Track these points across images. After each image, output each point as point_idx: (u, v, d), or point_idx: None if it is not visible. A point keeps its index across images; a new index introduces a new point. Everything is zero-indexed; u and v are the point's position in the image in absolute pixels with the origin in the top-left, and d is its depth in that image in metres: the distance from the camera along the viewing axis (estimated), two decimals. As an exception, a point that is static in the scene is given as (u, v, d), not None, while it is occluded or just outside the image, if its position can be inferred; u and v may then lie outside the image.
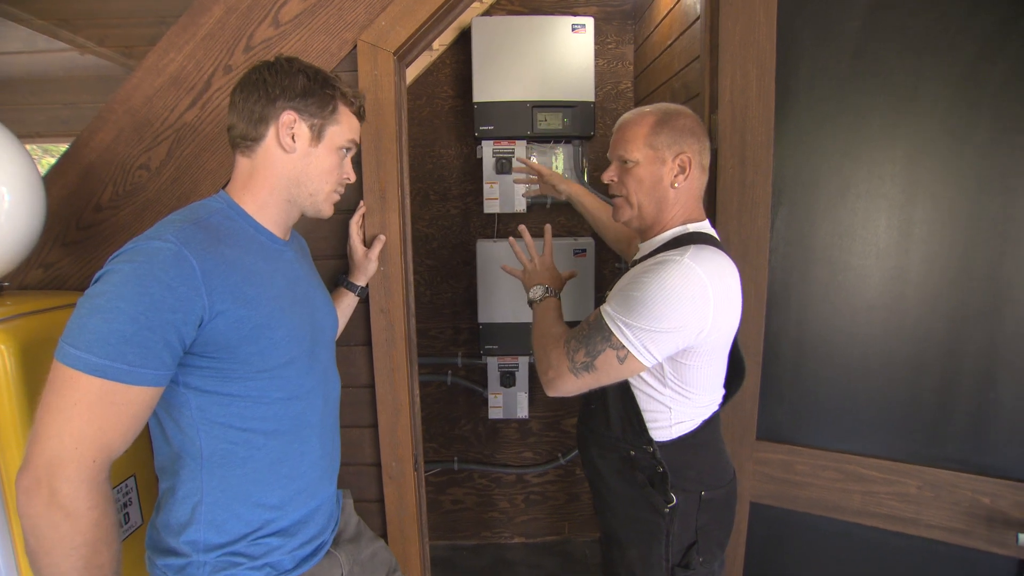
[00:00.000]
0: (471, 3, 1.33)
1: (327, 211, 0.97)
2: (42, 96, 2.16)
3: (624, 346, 0.94)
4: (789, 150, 1.22)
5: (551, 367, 1.02)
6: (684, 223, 1.07)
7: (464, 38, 2.12)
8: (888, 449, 1.20)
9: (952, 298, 1.13)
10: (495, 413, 2.25)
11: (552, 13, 2.09)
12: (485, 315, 2.14)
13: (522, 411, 2.25)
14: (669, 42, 1.74)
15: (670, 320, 0.91)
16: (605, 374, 0.97)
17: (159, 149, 1.29)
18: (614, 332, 0.94)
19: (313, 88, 0.90)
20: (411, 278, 1.42)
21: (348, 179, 0.98)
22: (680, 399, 1.01)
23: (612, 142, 1.10)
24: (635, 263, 1.06)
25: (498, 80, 2.02)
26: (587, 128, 2.06)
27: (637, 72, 2.17)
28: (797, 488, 1.29)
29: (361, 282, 1.28)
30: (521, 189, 2.10)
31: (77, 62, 2.24)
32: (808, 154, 1.21)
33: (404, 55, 1.32)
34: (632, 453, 1.05)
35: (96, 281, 0.75)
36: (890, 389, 1.20)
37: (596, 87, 2.08)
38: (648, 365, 0.95)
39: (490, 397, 2.25)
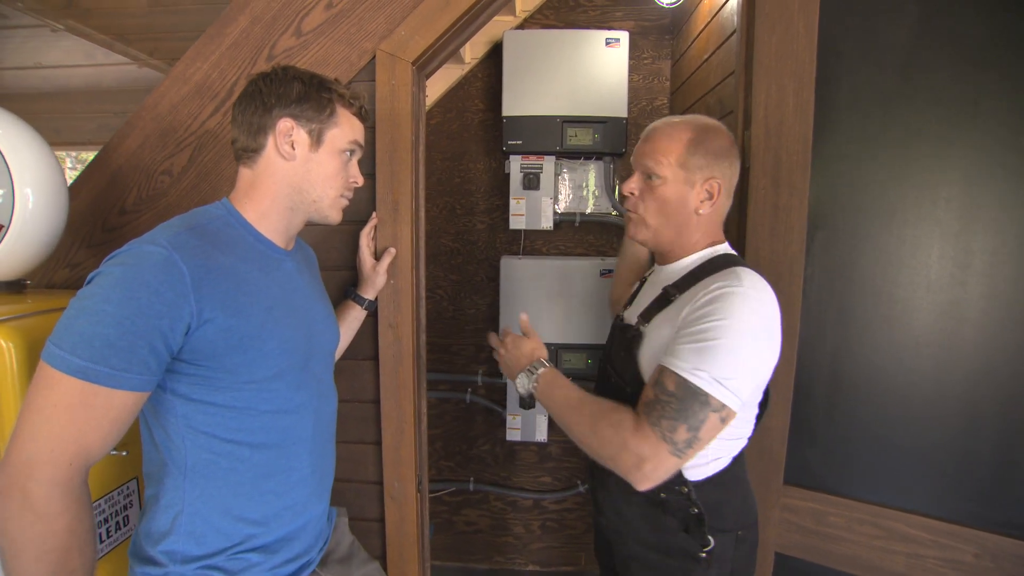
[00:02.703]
0: (494, 14, 1.31)
1: (334, 217, 0.95)
2: (95, 105, 2.29)
3: (725, 404, 0.82)
4: (828, 171, 1.12)
5: (644, 459, 0.83)
6: (710, 243, 1.00)
7: (496, 52, 2.10)
8: (938, 507, 1.06)
9: (1016, 338, 1.00)
10: (513, 435, 2.18)
11: (587, 27, 2.05)
12: (506, 333, 2.08)
13: (541, 435, 2.17)
14: (705, 56, 1.67)
15: (758, 358, 0.85)
16: (708, 440, 0.85)
17: (181, 155, 1.31)
18: (711, 393, 0.82)
19: (309, 93, 0.88)
20: (423, 293, 1.39)
21: (355, 183, 0.96)
22: (721, 435, 0.91)
23: (640, 150, 1.01)
24: (669, 288, 0.97)
25: (528, 94, 1.98)
26: (618, 145, 1.99)
27: (673, 88, 2.09)
28: (830, 542, 1.16)
29: (369, 295, 1.25)
30: (549, 206, 2.05)
31: (132, 74, 2.36)
32: (850, 175, 1.10)
33: (424, 65, 1.30)
34: (663, 496, 0.94)
35: (89, 282, 0.74)
36: (941, 438, 1.07)
37: (630, 103, 2.02)
38: (738, 411, 0.85)
39: (508, 419, 2.18)
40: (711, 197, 0.96)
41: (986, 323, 1.02)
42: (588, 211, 2.15)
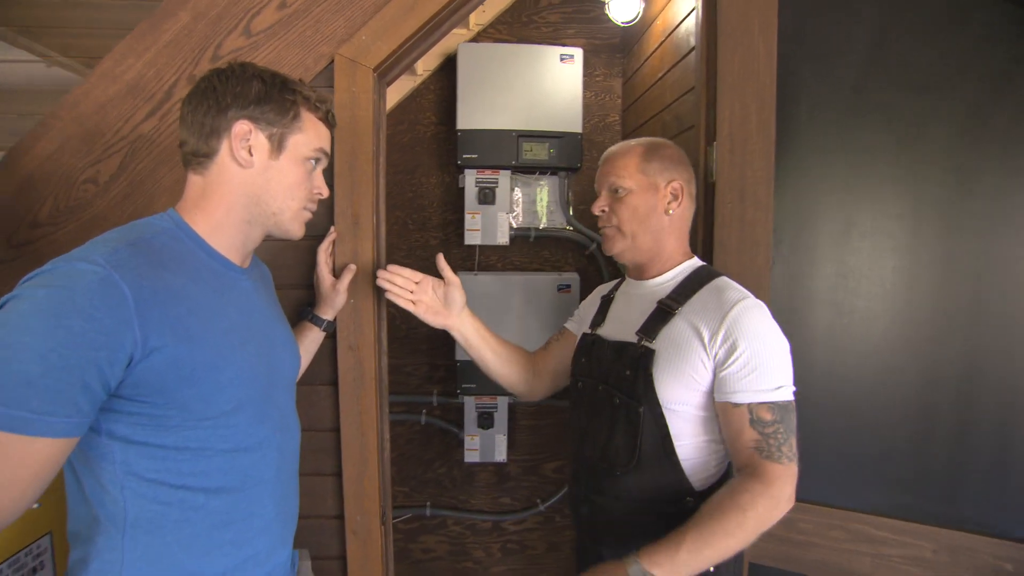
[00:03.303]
0: (458, 22, 1.27)
1: (296, 231, 0.86)
2: (-4, 106, 2.02)
3: (791, 397, 0.90)
4: (790, 186, 1.16)
5: (790, 492, 0.87)
6: (685, 257, 1.06)
7: (449, 64, 2.06)
8: (900, 508, 1.11)
9: (962, 346, 1.07)
10: (471, 456, 2.11)
11: (540, 42, 2.06)
12: (463, 352, 2.01)
13: (500, 455, 2.11)
14: (660, 75, 1.71)
15: (788, 355, 0.92)
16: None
17: (110, 162, 1.17)
18: (792, 397, 0.90)
19: (269, 93, 0.79)
20: (384, 312, 1.31)
21: (320, 194, 0.88)
22: (719, 441, 0.96)
23: (600, 173, 1.08)
24: (665, 302, 0.99)
25: (483, 108, 1.96)
26: (574, 160, 2.00)
27: (625, 105, 2.14)
28: (801, 549, 1.18)
29: (328, 316, 1.16)
30: (505, 221, 2.02)
31: (40, 73, 2.11)
32: (810, 190, 1.15)
33: (385, 73, 1.24)
34: (670, 511, 0.94)
35: (0, 308, 0.62)
36: (898, 443, 1.12)
37: (583, 119, 2.04)
38: None
39: (466, 439, 2.10)
40: (676, 198, 1.03)
41: (934, 333, 1.09)
42: (541, 226, 2.14)
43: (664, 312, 0.97)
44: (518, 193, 2.13)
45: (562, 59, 1.96)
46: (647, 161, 1.02)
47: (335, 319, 1.19)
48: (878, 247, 1.10)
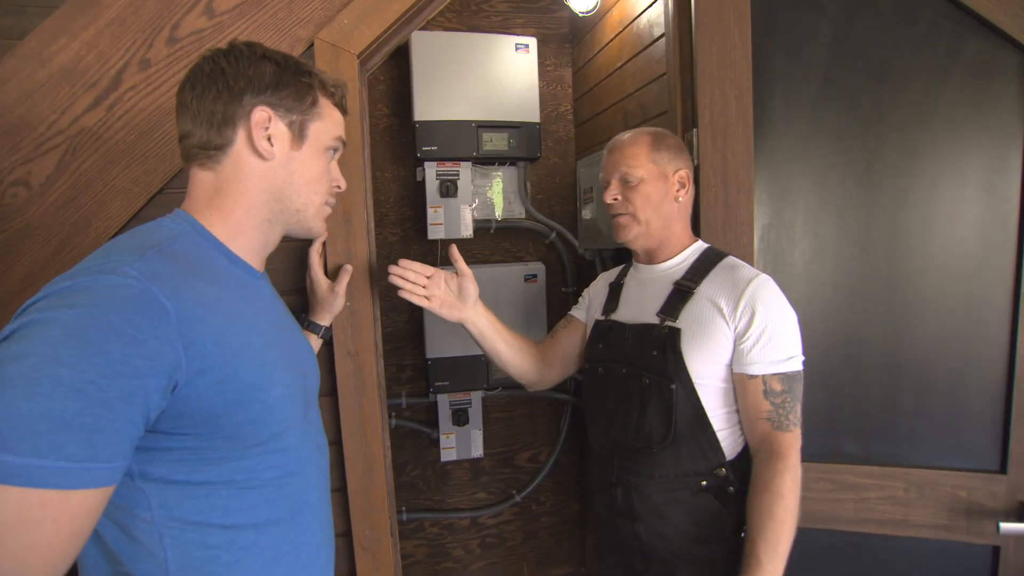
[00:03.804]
0: (441, 6, 1.22)
1: (319, 228, 0.79)
2: None
3: (800, 367, 0.97)
4: (768, 171, 1.24)
5: (798, 457, 0.95)
6: (691, 240, 1.11)
7: (399, 53, 1.97)
8: (873, 455, 1.24)
9: (924, 313, 1.20)
10: (447, 455, 2.06)
11: (490, 31, 2.03)
12: (434, 350, 1.97)
13: (476, 450, 2.09)
14: (619, 64, 1.75)
15: (797, 326, 0.98)
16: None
17: (44, 160, 1.00)
18: (800, 367, 0.96)
19: (285, 77, 0.72)
20: (379, 314, 1.24)
21: (339, 187, 0.81)
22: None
23: (609, 162, 1.10)
24: (682, 283, 1.04)
25: (440, 98, 1.90)
26: (533, 150, 2.00)
27: (577, 95, 2.17)
28: (792, 503, 1.28)
29: (325, 321, 1.08)
30: (468, 213, 1.98)
31: None
32: (785, 174, 1.24)
33: (367, 60, 1.17)
34: (704, 483, 0.99)
35: (4, 339, 0.51)
36: (868, 398, 1.24)
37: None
38: None
39: (442, 438, 2.05)
40: (683, 185, 1.08)
41: (894, 304, 1.22)
42: (499, 217, 2.12)
43: (683, 292, 1.01)
44: (479, 184, 2.10)
45: (517, 48, 1.95)
46: (656, 151, 1.06)
47: (331, 325, 1.10)
48: (843, 219, 1.21)
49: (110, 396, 0.50)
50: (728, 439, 0.99)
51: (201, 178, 0.71)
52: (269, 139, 0.71)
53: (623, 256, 1.81)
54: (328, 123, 0.77)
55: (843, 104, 1.19)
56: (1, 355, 0.49)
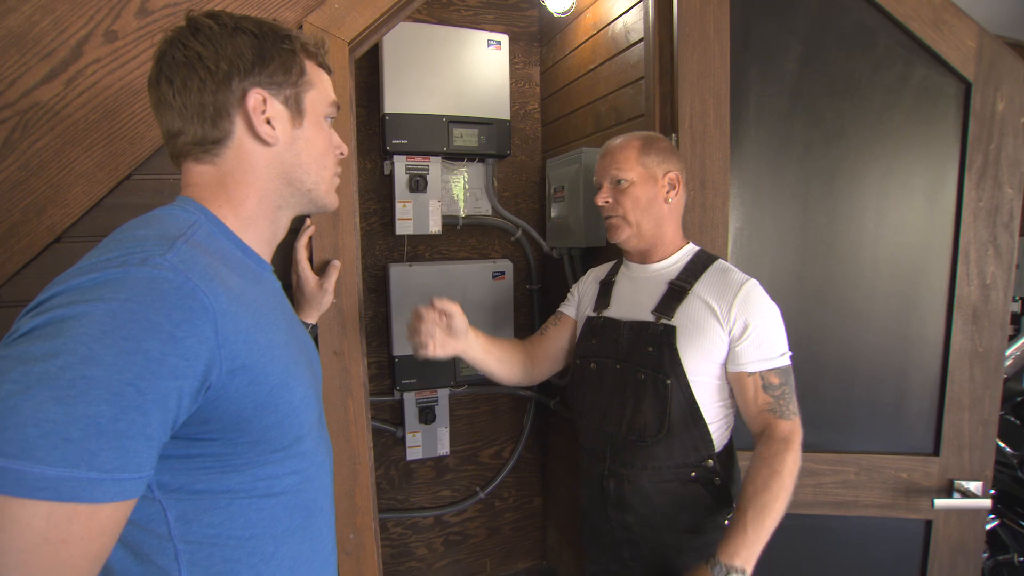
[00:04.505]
0: (431, -1, 1.19)
1: (333, 203, 0.75)
2: None
3: (790, 362, 1.03)
4: (743, 178, 1.32)
5: (799, 443, 1.00)
6: (683, 242, 1.15)
7: (367, 41, 1.91)
8: (829, 442, 1.35)
9: (892, 306, 1.32)
10: (413, 454, 2.04)
11: (461, 25, 2.01)
12: (401, 347, 1.93)
13: (443, 448, 2.07)
14: (592, 66, 1.79)
15: (783, 324, 1.04)
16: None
17: (-10, 140, 0.90)
18: (788, 364, 1.02)
19: (266, 48, 0.66)
20: (363, 312, 1.20)
21: (342, 153, 0.77)
22: (730, 405, 1.08)
23: (601, 166, 1.13)
24: (676, 283, 1.08)
25: (411, 91, 1.86)
26: (504, 147, 2.00)
27: (546, 94, 2.19)
28: (756, 490, 1.37)
29: (312, 319, 1.04)
30: (437, 209, 1.95)
31: None
32: (757, 182, 1.31)
33: (355, 48, 1.12)
34: (693, 474, 1.03)
35: (24, 335, 0.46)
36: (823, 390, 1.35)
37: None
38: None
39: (408, 436, 2.02)
40: (673, 187, 1.11)
41: (849, 305, 1.32)
42: (462, 213, 2.11)
43: (677, 291, 1.05)
44: (447, 180, 2.07)
45: (489, 44, 1.94)
46: (645, 154, 1.09)
47: (317, 324, 1.06)
48: (807, 226, 1.30)
49: (147, 399, 0.46)
50: (717, 432, 1.05)
51: (199, 172, 0.66)
52: (269, 122, 0.66)
53: (592, 255, 1.85)
54: (320, 90, 0.71)
55: (810, 118, 1.27)
56: (23, 354, 0.44)
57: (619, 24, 1.63)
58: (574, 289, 1.29)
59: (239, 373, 0.54)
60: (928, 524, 1.35)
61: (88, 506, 0.44)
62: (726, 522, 1.02)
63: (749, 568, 0.91)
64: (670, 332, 1.02)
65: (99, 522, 0.45)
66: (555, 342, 1.24)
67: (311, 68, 0.71)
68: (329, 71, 0.76)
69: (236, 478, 0.58)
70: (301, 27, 1.03)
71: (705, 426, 1.02)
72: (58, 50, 0.92)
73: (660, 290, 1.08)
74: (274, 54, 0.67)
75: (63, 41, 0.92)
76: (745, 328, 0.99)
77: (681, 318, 1.03)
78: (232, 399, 0.54)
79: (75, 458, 0.43)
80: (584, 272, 1.33)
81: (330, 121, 0.75)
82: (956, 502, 1.30)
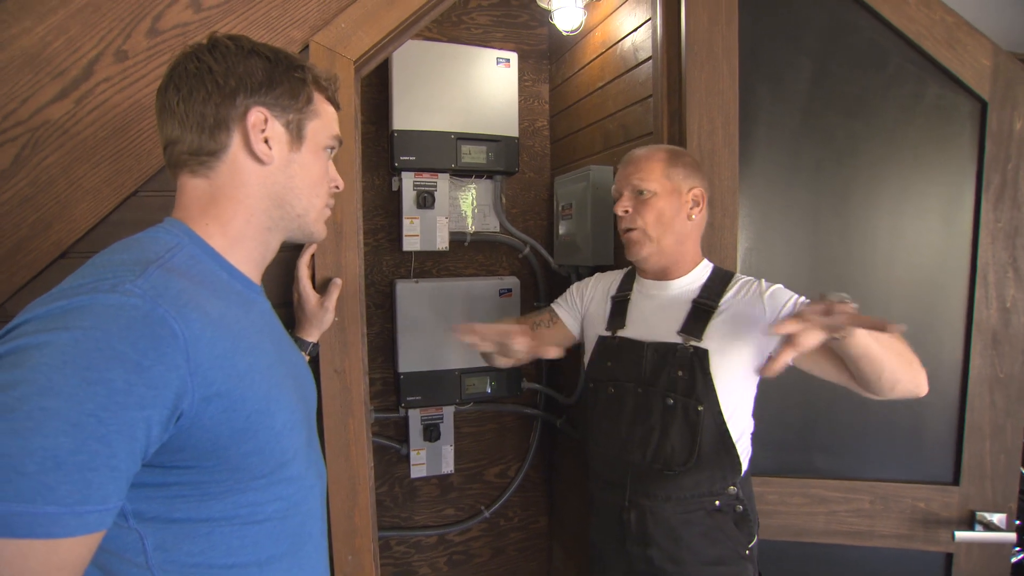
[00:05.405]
0: (436, 15, 1.20)
1: (321, 232, 0.75)
2: None
3: None
4: (753, 196, 1.30)
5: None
6: (700, 258, 1.11)
7: (377, 59, 1.93)
8: (844, 469, 1.30)
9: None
10: (418, 471, 2.01)
11: (470, 44, 2.02)
12: (407, 364, 1.91)
13: (447, 466, 2.04)
14: (601, 84, 1.79)
15: None
16: None
17: (0, 153, 0.91)
18: None
19: (278, 73, 0.68)
20: (365, 330, 1.19)
21: (337, 187, 0.77)
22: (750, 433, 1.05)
23: (623, 175, 1.10)
24: (701, 302, 1.04)
25: (420, 108, 1.87)
26: (512, 164, 2.00)
27: (554, 111, 2.19)
28: (767, 517, 1.33)
29: (313, 338, 1.03)
30: (444, 226, 1.95)
31: None
32: (768, 199, 1.29)
33: (361, 67, 1.13)
34: (717, 503, 0.99)
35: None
36: (838, 416, 1.31)
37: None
38: None
39: (412, 454, 2.00)
40: (697, 204, 1.07)
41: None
42: (470, 230, 2.11)
43: (704, 311, 1.01)
44: (455, 197, 2.07)
45: (498, 62, 1.95)
46: (671, 167, 1.05)
47: (318, 342, 1.05)
48: (818, 247, 1.27)
49: (110, 430, 0.45)
50: (743, 456, 1.02)
51: (193, 186, 0.66)
52: (267, 142, 0.67)
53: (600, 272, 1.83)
54: (324, 121, 0.73)
55: (821, 136, 1.26)
56: None
57: (628, 42, 1.62)
58: (575, 291, 1.24)
59: (215, 400, 0.53)
60: (948, 557, 1.30)
61: (45, 542, 0.43)
62: (747, 551, 0.98)
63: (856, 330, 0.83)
64: (702, 355, 0.98)
65: (59, 557, 0.44)
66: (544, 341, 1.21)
67: (319, 100, 0.73)
68: (338, 107, 0.78)
69: (215, 506, 0.56)
70: (308, 47, 1.04)
71: (735, 453, 0.99)
72: (70, 69, 0.94)
73: (684, 309, 1.04)
74: (284, 79, 0.68)
75: (75, 61, 0.94)
76: (784, 306, 0.97)
77: (712, 338, 0.99)
78: (207, 426, 0.53)
79: (31, 493, 0.42)
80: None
81: (330, 153, 0.75)
82: (979, 535, 1.24)
